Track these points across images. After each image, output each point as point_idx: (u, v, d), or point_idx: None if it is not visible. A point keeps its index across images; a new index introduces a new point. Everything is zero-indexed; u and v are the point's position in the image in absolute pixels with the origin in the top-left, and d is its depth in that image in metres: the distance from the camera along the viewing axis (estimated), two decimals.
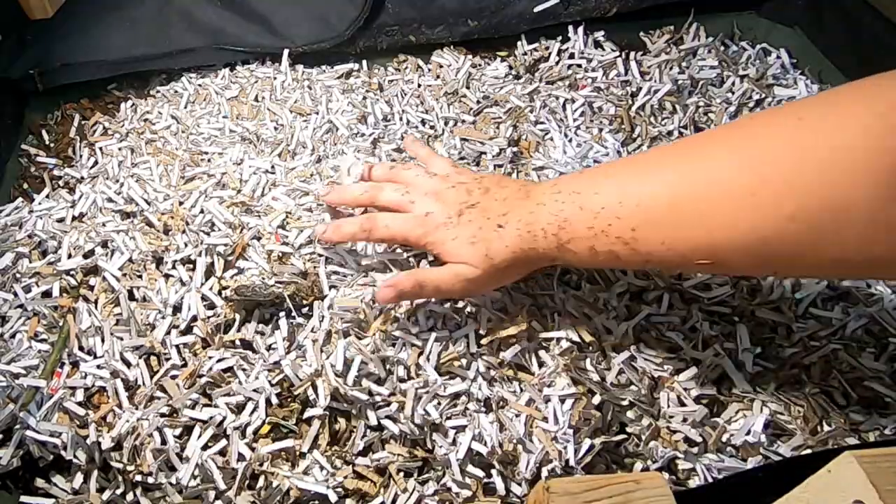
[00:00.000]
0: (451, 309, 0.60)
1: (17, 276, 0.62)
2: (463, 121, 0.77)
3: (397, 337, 0.57)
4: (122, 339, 0.58)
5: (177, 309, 0.59)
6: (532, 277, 0.63)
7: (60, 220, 0.67)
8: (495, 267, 0.52)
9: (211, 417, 0.54)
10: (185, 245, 0.63)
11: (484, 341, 0.58)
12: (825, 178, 0.39)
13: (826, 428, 0.57)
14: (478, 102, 0.79)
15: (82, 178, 0.72)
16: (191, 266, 0.62)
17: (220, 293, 0.60)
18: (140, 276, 0.61)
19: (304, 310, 0.59)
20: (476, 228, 0.53)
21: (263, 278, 0.59)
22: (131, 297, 0.61)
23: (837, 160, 0.39)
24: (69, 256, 0.63)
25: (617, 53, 0.84)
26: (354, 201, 0.60)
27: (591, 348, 0.59)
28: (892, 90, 0.39)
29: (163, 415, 0.55)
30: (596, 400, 0.56)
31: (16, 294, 0.61)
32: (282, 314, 0.59)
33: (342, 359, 0.55)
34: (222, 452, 0.54)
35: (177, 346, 0.58)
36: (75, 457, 0.53)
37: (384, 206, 0.57)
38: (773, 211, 0.41)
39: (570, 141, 0.75)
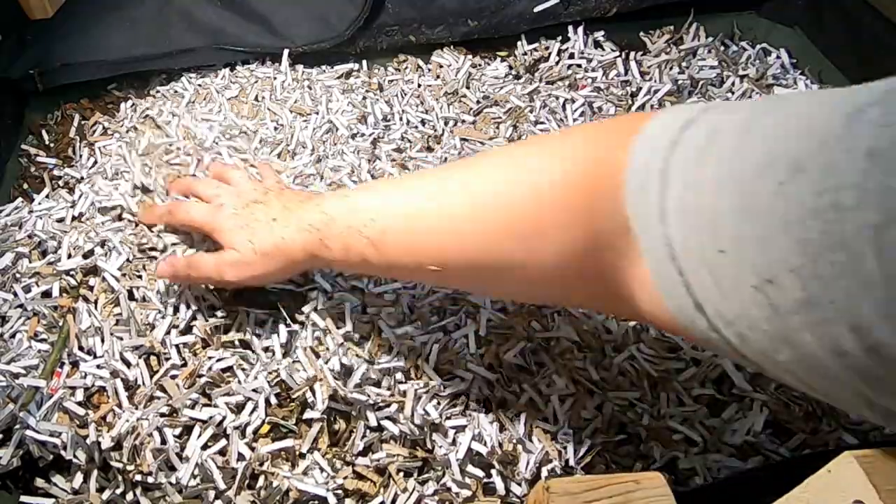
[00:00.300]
0: (451, 308, 0.60)
1: (17, 276, 0.62)
2: (463, 121, 0.77)
3: (397, 338, 0.57)
4: (121, 339, 0.58)
5: (177, 309, 0.59)
6: None
7: (60, 220, 0.67)
8: (256, 253, 0.55)
9: (211, 417, 0.54)
10: (185, 244, 0.63)
11: (484, 341, 0.58)
12: (525, 211, 0.42)
13: (826, 428, 0.57)
14: (478, 102, 0.79)
15: (82, 178, 0.72)
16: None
17: (219, 294, 0.60)
18: (140, 277, 0.61)
19: (300, 317, 0.59)
20: (253, 219, 0.57)
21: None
22: (131, 297, 0.61)
23: (534, 197, 0.42)
24: (69, 256, 0.63)
25: (617, 53, 0.84)
26: (188, 187, 0.65)
27: (590, 348, 0.59)
28: (588, 147, 0.41)
29: (163, 414, 0.55)
30: (595, 400, 0.56)
31: (16, 294, 0.61)
32: (279, 320, 0.59)
33: (339, 364, 0.55)
34: (222, 452, 0.54)
35: (176, 346, 0.58)
36: (75, 457, 0.53)
37: (198, 195, 0.63)
38: (483, 237, 0.44)
39: None
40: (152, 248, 0.63)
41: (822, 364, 0.28)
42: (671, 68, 0.83)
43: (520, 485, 0.53)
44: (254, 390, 0.55)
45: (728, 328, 0.32)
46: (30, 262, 0.63)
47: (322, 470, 0.53)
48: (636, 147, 0.37)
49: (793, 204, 0.27)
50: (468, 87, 0.81)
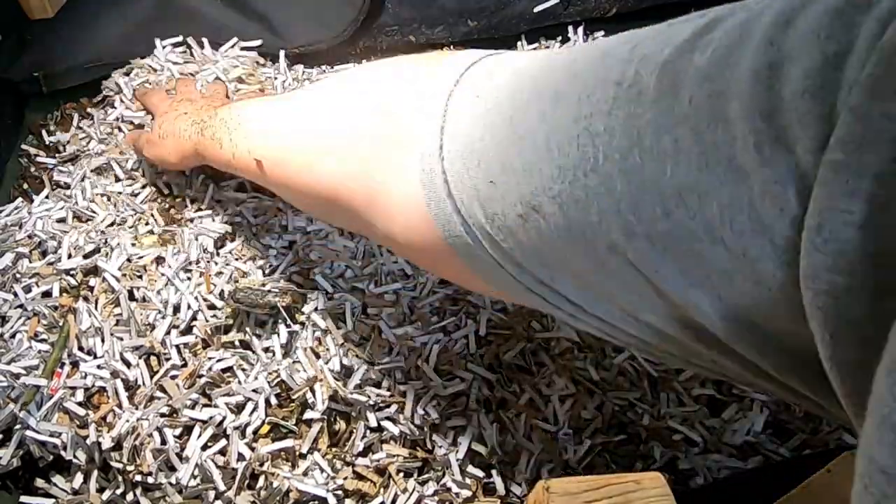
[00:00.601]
0: (451, 309, 0.60)
1: (18, 276, 0.62)
2: None
3: (397, 338, 0.57)
4: (122, 339, 0.58)
5: (177, 309, 0.59)
6: None
7: (60, 221, 0.67)
8: (160, 137, 0.64)
9: (211, 417, 0.54)
10: (186, 245, 0.63)
11: (484, 341, 0.58)
12: (333, 131, 0.43)
13: (826, 428, 0.57)
14: None
15: (84, 177, 0.72)
16: (191, 266, 0.62)
17: (220, 294, 0.60)
18: (140, 277, 0.61)
19: (300, 317, 0.59)
20: (171, 108, 0.66)
21: (263, 283, 0.59)
22: (131, 297, 0.61)
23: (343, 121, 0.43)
24: (69, 256, 0.63)
25: None
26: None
27: (590, 348, 0.59)
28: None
29: (163, 415, 0.55)
30: (596, 400, 0.56)
31: (16, 294, 0.61)
32: (279, 320, 0.59)
33: (339, 364, 0.55)
34: (222, 452, 0.54)
35: (177, 347, 0.58)
36: (75, 457, 0.53)
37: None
38: (319, 163, 0.45)
39: None
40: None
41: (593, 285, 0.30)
42: None
43: (520, 485, 0.53)
44: (254, 390, 0.55)
45: (505, 260, 0.33)
46: (30, 262, 0.63)
47: (322, 470, 0.53)
48: (432, 81, 0.38)
49: (553, 131, 0.29)
50: None
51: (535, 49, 0.85)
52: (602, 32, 0.86)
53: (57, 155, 0.74)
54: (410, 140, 0.37)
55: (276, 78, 0.80)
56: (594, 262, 0.29)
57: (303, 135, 0.46)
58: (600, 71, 0.28)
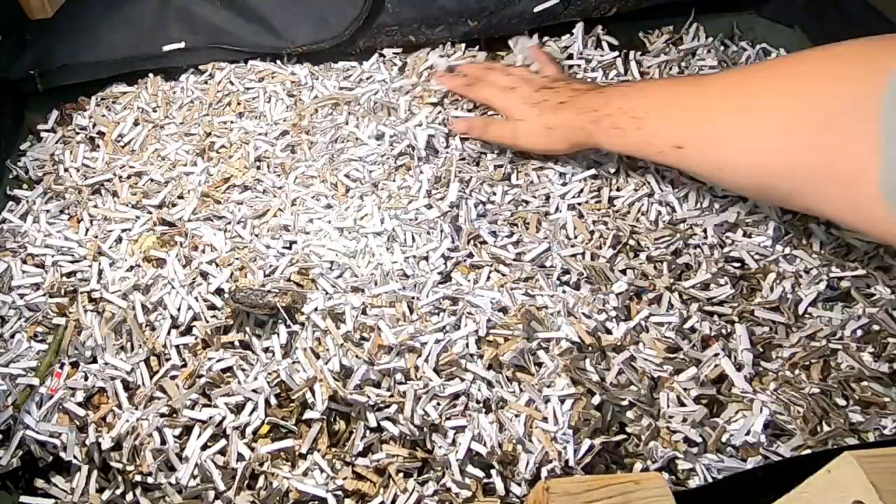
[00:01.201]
0: (451, 309, 0.60)
1: (17, 276, 0.62)
2: None
3: (397, 338, 0.57)
4: (122, 339, 0.58)
5: (177, 309, 0.59)
6: (533, 276, 0.63)
7: (60, 221, 0.67)
8: (542, 125, 0.69)
9: (210, 417, 0.54)
10: (186, 245, 0.63)
11: (484, 341, 0.58)
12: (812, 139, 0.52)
13: (826, 428, 0.57)
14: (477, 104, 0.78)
15: (83, 177, 0.72)
16: (191, 266, 0.62)
17: (219, 293, 0.60)
18: (140, 277, 0.61)
19: (300, 318, 0.59)
20: (542, 99, 0.70)
21: (263, 284, 0.59)
22: (131, 298, 0.61)
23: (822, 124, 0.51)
24: (70, 258, 0.63)
25: (617, 53, 0.84)
26: (470, 71, 0.79)
27: (590, 348, 0.59)
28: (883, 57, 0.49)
29: (162, 415, 0.55)
30: (595, 400, 0.56)
31: (15, 295, 0.61)
32: (279, 320, 0.59)
33: (339, 364, 0.55)
34: (222, 452, 0.54)
35: (177, 347, 0.58)
36: (75, 457, 0.53)
37: (491, 82, 0.76)
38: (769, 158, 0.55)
39: None
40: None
41: None
42: (671, 68, 0.83)
43: (520, 485, 0.53)
44: (254, 391, 0.55)
45: None
46: (29, 263, 0.63)
47: (322, 470, 0.53)
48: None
49: None
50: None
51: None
52: (602, 32, 0.86)
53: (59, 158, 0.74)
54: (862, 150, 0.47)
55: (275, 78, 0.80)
56: None
57: (736, 117, 0.56)
58: None
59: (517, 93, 0.72)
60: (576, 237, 0.67)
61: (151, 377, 0.57)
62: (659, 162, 0.66)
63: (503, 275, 0.64)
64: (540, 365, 0.58)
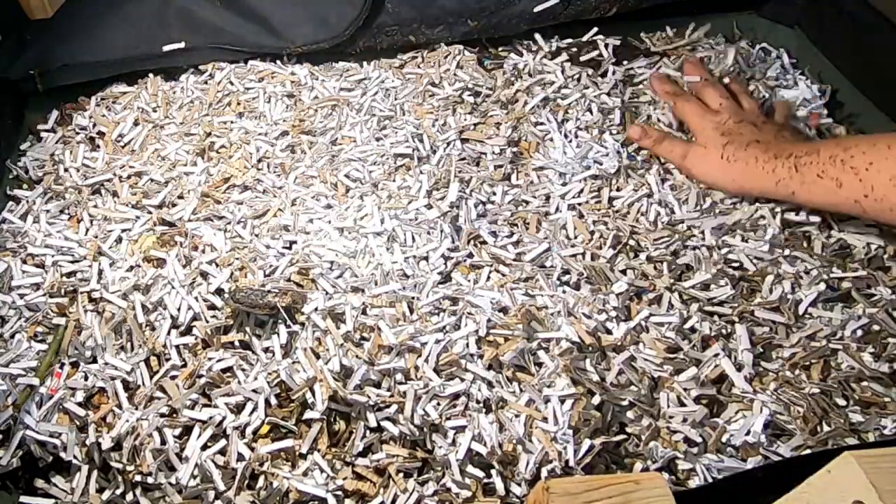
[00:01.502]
0: (451, 309, 0.60)
1: (17, 276, 0.62)
2: (464, 121, 0.77)
3: (397, 338, 0.57)
4: (122, 339, 0.58)
5: (177, 309, 0.59)
6: (533, 276, 0.63)
7: (60, 221, 0.67)
8: (724, 158, 0.67)
9: (210, 417, 0.54)
10: (186, 245, 0.63)
11: (484, 341, 0.58)
12: None
13: (826, 428, 0.57)
14: (477, 105, 0.78)
15: (83, 177, 0.72)
16: (191, 266, 0.62)
17: (219, 293, 0.60)
18: (140, 278, 0.61)
19: (300, 318, 0.59)
20: (735, 132, 0.69)
21: (263, 284, 0.59)
22: (131, 298, 0.60)
23: None
24: (70, 259, 0.63)
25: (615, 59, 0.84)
26: (701, 89, 0.77)
27: (590, 348, 0.59)
28: None
29: (162, 415, 0.55)
30: (595, 400, 0.56)
31: (15, 295, 0.61)
32: (279, 320, 0.59)
33: (339, 364, 0.55)
34: (222, 452, 0.54)
35: (177, 347, 0.58)
36: (75, 457, 0.53)
37: (699, 98, 0.76)
38: None
39: (570, 142, 0.75)
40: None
41: None
42: (671, 68, 0.83)
43: (520, 485, 0.53)
44: (254, 391, 0.55)
45: None
46: (29, 263, 0.63)
47: (322, 471, 0.53)
48: None
49: None
50: (467, 88, 0.81)
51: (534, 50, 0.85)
52: (602, 32, 0.86)
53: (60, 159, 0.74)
54: None
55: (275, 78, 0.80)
56: None
57: None
58: None
59: (717, 118, 0.71)
60: (576, 237, 0.67)
61: (151, 377, 0.57)
62: (843, 211, 0.64)
63: (503, 275, 0.64)
64: (540, 365, 0.58)
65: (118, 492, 0.53)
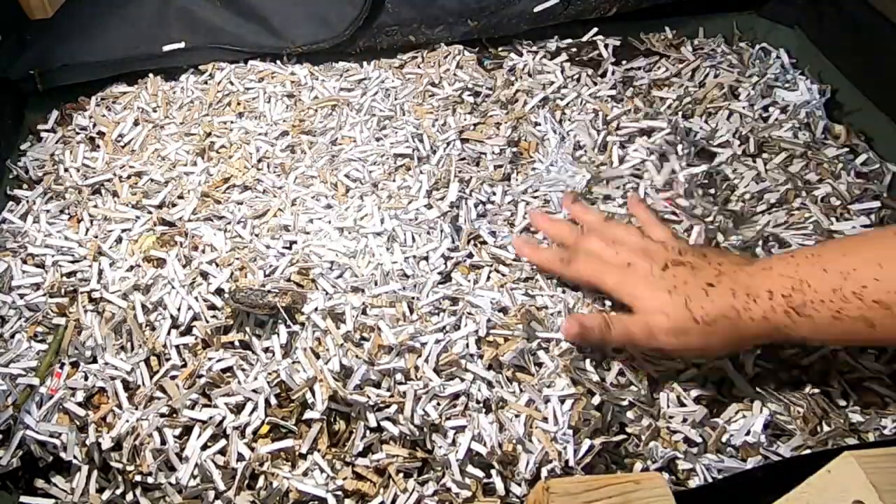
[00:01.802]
0: (451, 309, 0.60)
1: (17, 276, 0.62)
2: (464, 121, 0.77)
3: (397, 338, 0.57)
4: (121, 339, 0.58)
5: (177, 309, 0.59)
6: (533, 276, 0.63)
7: (60, 221, 0.67)
8: (694, 321, 0.49)
9: (210, 417, 0.54)
10: (185, 245, 0.63)
11: (484, 341, 0.58)
12: None
13: (826, 428, 0.57)
14: (476, 105, 0.79)
15: (83, 177, 0.72)
16: (191, 266, 0.62)
17: (219, 293, 0.60)
18: (140, 278, 0.61)
19: (300, 318, 0.59)
20: (680, 282, 0.51)
21: (263, 284, 0.59)
22: (131, 298, 0.60)
23: None
24: (70, 259, 0.63)
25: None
26: (558, 235, 0.61)
27: (590, 348, 0.59)
28: None
29: (162, 415, 0.55)
30: (595, 400, 0.56)
31: (15, 295, 0.61)
32: (279, 320, 0.59)
33: (339, 364, 0.55)
34: (222, 452, 0.54)
35: (177, 347, 0.58)
36: (75, 457, 0.53)
37: (586, 251, 0.58)
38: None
39: (570, 143, 0.75)
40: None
41: None
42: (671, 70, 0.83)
43: (520, 485, 0.53)
44: (254, 391, 0.55)
45: None
46: (29, 263, 0.63)
47: (322, 471, 0.53)
48: None
49: None
50: (467, 88, 0.81)
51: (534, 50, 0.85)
52: (602, 33, 0.86)
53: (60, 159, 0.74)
54: None
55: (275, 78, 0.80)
56: None
57: None
58: None
59: (637, 271, 0.54)
60: None
61: (151, 377, 0.57)
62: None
63: (503, 275, 0.64)
64: (540, 365, 0.58)
65: (118, 492, 0.53)
